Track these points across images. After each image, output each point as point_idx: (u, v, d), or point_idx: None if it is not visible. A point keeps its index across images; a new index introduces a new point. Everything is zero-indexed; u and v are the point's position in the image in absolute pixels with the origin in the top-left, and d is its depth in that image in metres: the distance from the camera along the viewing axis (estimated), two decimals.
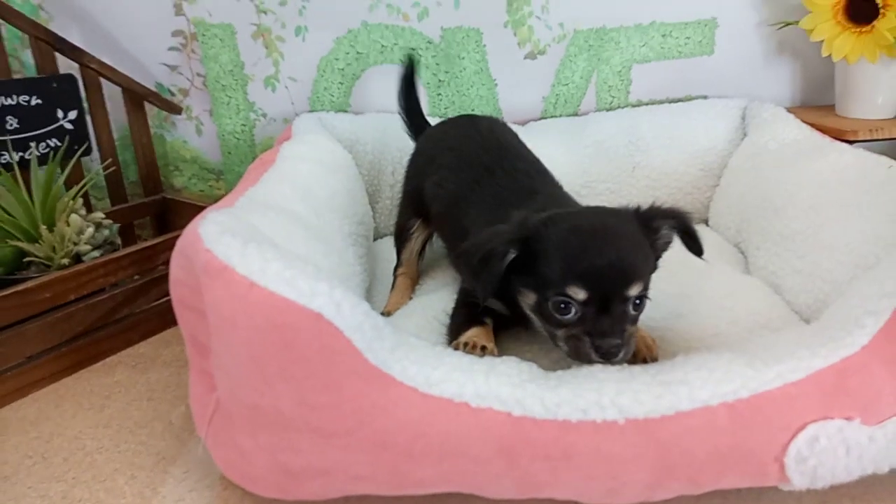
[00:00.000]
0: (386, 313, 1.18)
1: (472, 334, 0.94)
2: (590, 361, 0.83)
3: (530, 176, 1.13)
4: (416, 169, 1.36)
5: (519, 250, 0.86)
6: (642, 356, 0.92)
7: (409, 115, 1.48)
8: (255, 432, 0.75)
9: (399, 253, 1.32)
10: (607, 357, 0.82)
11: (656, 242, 0.93)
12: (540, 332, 0.94)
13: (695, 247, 0.94)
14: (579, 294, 0.83)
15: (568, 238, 0.85)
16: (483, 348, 0.90)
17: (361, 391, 0.70)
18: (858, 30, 1.52)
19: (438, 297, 1.16)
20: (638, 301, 0.86)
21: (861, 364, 0.73)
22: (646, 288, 0.88)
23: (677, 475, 0.72)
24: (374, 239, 1.52)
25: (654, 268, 0.93)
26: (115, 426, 1.07)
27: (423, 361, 0.74)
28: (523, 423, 0.71)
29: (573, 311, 0.84)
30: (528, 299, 0.90)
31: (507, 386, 0.73)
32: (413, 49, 1.66)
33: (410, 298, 1.25)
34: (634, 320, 0.87)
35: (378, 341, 0.72)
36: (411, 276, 1.30)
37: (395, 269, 1.31)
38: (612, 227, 0.88)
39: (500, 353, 0.89)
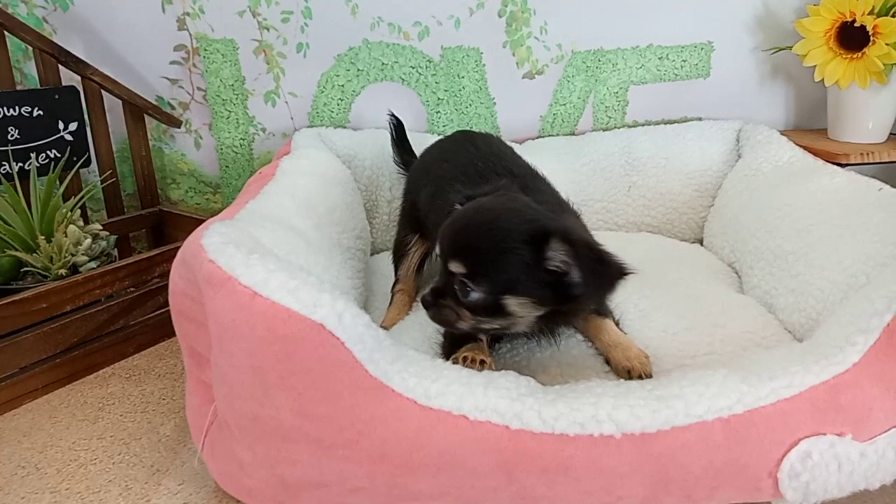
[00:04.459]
0: (383, 328, 1.18)
1: (469, 349, 0.94)
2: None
3: (525, 179, 1.13)
4: (412, 183, 1.37)
5: None
6: (637, 372, 0.93)
7: (403, 162, 1.52)
8: (253, 443, 0.75)
9: (397, 269, 1.33)
10: (424, 306, 0.93)
11: (543, 261, 0.85)
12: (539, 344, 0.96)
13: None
14: (436, 251, 0.93)
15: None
16: (482, 363, 0.91)
17: (361, 402, 0.71)
18: (850, 56, 1.55)
19: None
20: (462, 282, 0.87)
21: (852, 381, 0.74)
22: (471, 276, 0.86)
23: (673, 490, 0.72)
24: (371, 254, 1.52)
25: (525, 280, 0.86)
26: (109, 438, 1.06)
27: (423, 374, 0.75)
28: (521, 437, 0.71)
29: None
30: None
31: (505, 399, 0.73)
32: (413, 67, 1.69)
33: (408, 314, 1.25)
34: (463, 304, 0.88)
35: (378, 353, 0.73)
36: (409, 293, 1.30)
37: (393, 285, 1.32)
38: (480, 213, 0.92)
39: (498, 369, 0.89)
